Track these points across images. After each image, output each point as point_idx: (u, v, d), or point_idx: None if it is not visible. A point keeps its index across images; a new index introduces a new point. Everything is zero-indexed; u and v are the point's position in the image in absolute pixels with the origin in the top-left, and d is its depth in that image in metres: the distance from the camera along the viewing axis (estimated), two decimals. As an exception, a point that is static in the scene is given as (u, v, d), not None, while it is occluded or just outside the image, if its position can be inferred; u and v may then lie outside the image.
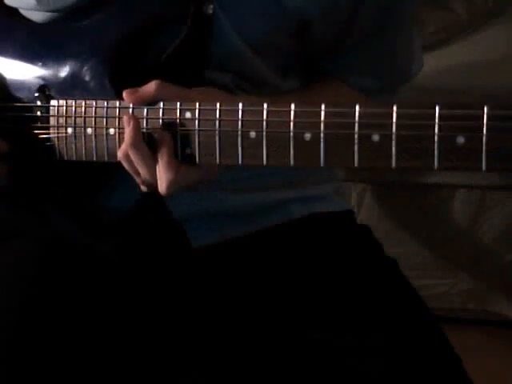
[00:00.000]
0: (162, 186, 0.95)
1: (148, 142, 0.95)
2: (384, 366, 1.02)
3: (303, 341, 1.05)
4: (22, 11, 1.09)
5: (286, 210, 1.18)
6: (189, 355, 1.10)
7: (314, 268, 1.13)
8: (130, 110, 0.97)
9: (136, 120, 0.96)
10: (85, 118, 1.01)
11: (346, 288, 1.10)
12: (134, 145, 0.95)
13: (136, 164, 0.96)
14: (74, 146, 1.02)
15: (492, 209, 2.05)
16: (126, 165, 0.97)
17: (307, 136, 0.86)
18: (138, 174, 0.97)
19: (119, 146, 0.97)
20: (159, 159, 0.95)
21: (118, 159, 0.97)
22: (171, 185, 0.95)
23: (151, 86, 0.96)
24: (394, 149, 0.82)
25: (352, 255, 1.15)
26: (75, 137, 1.02)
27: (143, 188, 0.99)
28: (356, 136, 0.83)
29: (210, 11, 0.99)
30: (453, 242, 2.09)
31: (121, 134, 0.97)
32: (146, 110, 0.96)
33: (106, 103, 0.98)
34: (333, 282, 1.11)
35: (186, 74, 1.01)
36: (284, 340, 1.06)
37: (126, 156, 0.96)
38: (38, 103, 1.05)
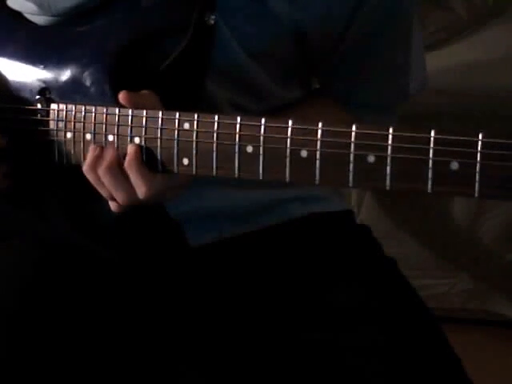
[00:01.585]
0: (142, 196, 0.96)
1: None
2: (384, 365, 1.02)
3: (302, 341, 1.05)
4: (25, 14, 1.09)
5: (285, 209, 1.18)
6: (188, 354, 1.11)
7: (313, 268, 1.13)
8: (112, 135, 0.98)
9: (114, 151, 0.96)
10: (84, 123, 1.01)
11: (345, 288, 1.10)
12: (110, 174, 0.96)
13: (110, 188, 0.97)
14: (72, 151, 1.02)
15: (492, 209, 2.05)
16: (97, 186, 0.98)
17: (303, 153, 0.87)
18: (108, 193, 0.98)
19: (118, 152, 0.98)
20: (128, 170, 0.95)
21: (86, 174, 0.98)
22: (150, 192, 0.96)
23: (149, 96, 0.97)
24: (388, 171, 0.82)
25: (351, 255, 1.15)
26: (74, 142, 1.02)
27: (113, 206, 1.00)
28: (351, 156, 0.84)
29: (212, 22, 0.99)
30: (453, 242, 2.09)
31: (120, 141, 0.98)
32: (144, 119, 0.96)
33: (105, 110, 0.99)
34: (332, 282, 1.11)
35: (186, 84, 1.01)
36: (283, 340, 1.06)
37: (98, 180, 0.97)
38: (39, 106, 1.05)
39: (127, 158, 0.96)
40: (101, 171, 0.97)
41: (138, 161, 0.95)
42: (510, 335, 2.07)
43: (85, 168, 0.99)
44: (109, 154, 0.97)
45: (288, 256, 1.15)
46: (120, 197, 0.97)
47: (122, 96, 0.96)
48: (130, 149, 0.96)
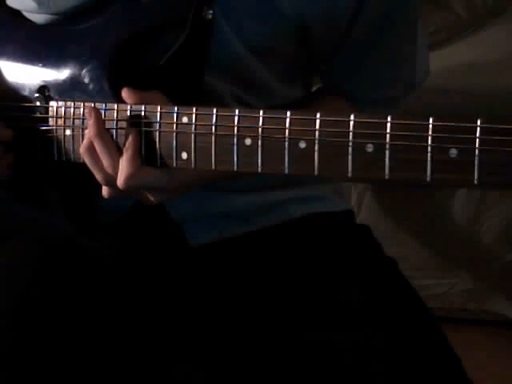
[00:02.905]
0: (120, 179, 0.96)
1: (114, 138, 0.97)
2: (384, 365, 1.02)
3: (302, 341, 1.05)
4: (24, 13, 1.09)
5: (285, 210, 1.18)
6: (189, 354, 1.11)
7: (313, 268, 1.13)
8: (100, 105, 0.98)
9: (97, 110, 0.97)
10: (83, 119, 1.01)
11: (345, 288, 1.10)
12: (99, 134, 0.96)
13: (100, 153, 0.97)
14: (71, 148, 1.02)
15: (492, 209, 2.05)
16: (88, 158, 0.98)
17: (302, 144, 0.87)
18: (100, 167, 0.97)
19: (118, 146, 0.98)
20: (124, 152, 0.96)
21: (81, 154, 0.98)
22: (130, 179, 0.95)
23: (155, 96, 0.97)
24: (387, 160, 0.82)
25: (351, 255, 1.15)
26: (73, 139, 1.02)
27: (104, 190, 0.99)
28: (350, 145, 0.84)
29: (210, 16, 0.99)
30: (453, 242, 2.09)
31: (119, 135, 0.98)
32: (143, 113, 0.96)
33: (104, 105, 0.99)
34: (332, 282, 1.11)
35: (185, 79, 1.01)
36: (283, 340, 1.06)
37: (90, 147, 0.97)
38: (38, 104, 1.05)
39: (128, 141, 0.96)
40: (92, 133, 0.97)
41: (137, 146, 0.95)
42: (510, 335, 2.07)
43: (81, 148, 0.98)
44: (96, 117, 0.97)
45: (288, 256, 1.15)
46: (106, 163, 0.97)
47: (125, 94, 0.96)
48: (133, 133, 0.96)
